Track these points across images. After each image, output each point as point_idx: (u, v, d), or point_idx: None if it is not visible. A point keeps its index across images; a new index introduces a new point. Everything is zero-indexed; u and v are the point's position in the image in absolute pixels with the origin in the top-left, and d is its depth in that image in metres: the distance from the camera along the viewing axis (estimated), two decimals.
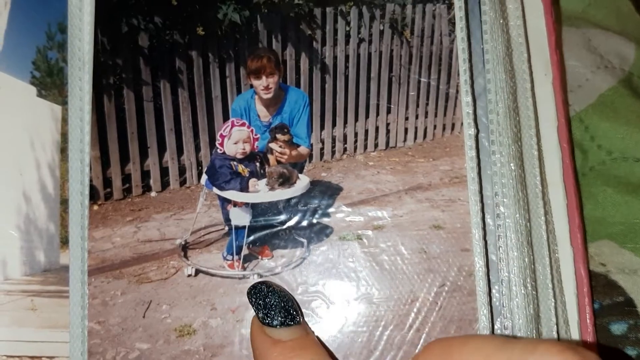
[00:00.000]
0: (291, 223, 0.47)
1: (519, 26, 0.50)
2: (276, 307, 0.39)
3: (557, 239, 0.48)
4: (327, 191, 0.48)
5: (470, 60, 0.47)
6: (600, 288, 0.51)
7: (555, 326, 0.46)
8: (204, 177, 0.51)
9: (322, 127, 0.52)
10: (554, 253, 0.48)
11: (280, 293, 0.40)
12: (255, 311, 0.40)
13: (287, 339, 0.38)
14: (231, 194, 0.49)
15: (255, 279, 0.47)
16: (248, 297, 0.40)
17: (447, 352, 0.31)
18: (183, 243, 0.49)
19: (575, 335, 0.46)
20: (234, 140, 0.50)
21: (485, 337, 0.35)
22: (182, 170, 0.52)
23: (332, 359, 0.37)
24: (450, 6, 0.49)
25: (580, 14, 0.62)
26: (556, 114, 0.50)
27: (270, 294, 0.40)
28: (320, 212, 0.47)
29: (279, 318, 0.39)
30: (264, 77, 0.51)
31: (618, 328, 0.49)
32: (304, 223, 0.47)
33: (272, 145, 0.51)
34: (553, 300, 0.46)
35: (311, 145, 0.51)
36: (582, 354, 0.28)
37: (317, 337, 0.42)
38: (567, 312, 0.47)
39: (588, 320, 0.47)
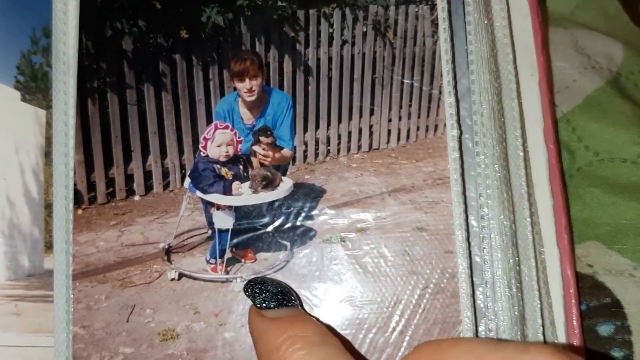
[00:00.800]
0: (274, 226, 0.47)
1: (504, 27, 0.50)
2: (272, 292, 0.40)
3: (543, 240, 0.48)
4: (310, 193, 0.48)
5: (453, 61, 0.47)
6: (587, 289, 0.50)
7: (542, 328, 0.45)
8: (187, 180, 0.50)
9: (305, 130, 0.52)
10: (540, 254, 0.47)
11: (276, 282, 0.41)
12: (252, 300, 0.40)
13: (285, 316, 0.38)
14: (214, 197, 0.49)
15: (238, 283, 0.46)
16: (244, 290, 0.40)
17: (437, 352, 0.31)
18: (166, 247, 0.49)
19: (561, 337, 0.46)
20: (217, 143, 0.50)
21: (476, 339, 0.34)
22: (165, 174, 0.52)
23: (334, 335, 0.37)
24: (433, 7, 0.49)
25: (568, 15, 0.62)
26: (542, 115, 0.50)
27: (266, 283, 0.40)
28: (303, 214, 0.47)
29: (276, 301, 0.39)
30: (247, 80, 0.50)
31: (605, 329, 0.49)
32: (288, 226, 0.47)
33: (256, 147, 0.51)
34: (539, 302, 0.46)
35: (294, 147, 0.51)
36: (573, 359, 0.28)
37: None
38: (554, 314, 0.47)
39: (575, 322, 0.46)
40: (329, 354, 0.34)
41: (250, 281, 0.41)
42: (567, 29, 0.60)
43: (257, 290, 0.40)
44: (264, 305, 0.39)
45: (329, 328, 0.43)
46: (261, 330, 0.37)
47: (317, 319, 0.43)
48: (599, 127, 0.55)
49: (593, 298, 0.50)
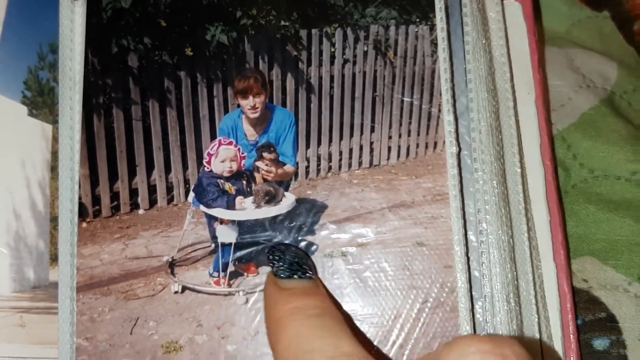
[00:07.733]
0: (277, 240, 0.47)
1: (502, 46, 0.51)
2: (290, 262, 0.41)
3: (540, 255, 0.48)
4: (312, 209, 0.49)
5: (452, 80, 0.48)
6: (583, 304, 0.51)
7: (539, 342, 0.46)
8: (191, 195, 0.51)
9: (307, 146, 0.52)
10: (537, 269, 0.48)
11: (295, 251, 0.43)
12: (270, 266, 0.41)
13: (295, 288, 0.39)
14: (218, 212, 0.50)
15: (240, 296, 0.47)
16: (266, 254, 0.42)
17: None
18: (170, 260, 0.49)
19: (558, 351, 0.47)
20: (221, 158, 0.50)
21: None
22: (169, 188, 0.53)
23: (340, 312, 0.38)
24: (432, 27, 0.50)
25: (564, 34, 0.63)
26: (539, 132, 0.51)
27: (285, 251, 0.42)
28: (305, 229, 0.48)
29: (289, 271, 0.40)
30: (250, 97, 0.51)
31: (600, 344, 0.50)
32: (290, 240, 0.47)
33: (259, 163, 0.51)
34: (536, 315, 0.46)
35: (297, 163, 0.51)
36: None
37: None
38: (551, 328, 0.47)
39: (571, 336, 0.47)
40: (324, 325, 0.35)
41: (272, 246, 0.43)
42: (562, 48, 0.61)
43: (276, 257, 0.41)
44: (279, 274, 0.40)
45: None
46: (271, 298, 0.39)
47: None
48: (594, 145, 0.56)
49: (589, 313, 0.51)
